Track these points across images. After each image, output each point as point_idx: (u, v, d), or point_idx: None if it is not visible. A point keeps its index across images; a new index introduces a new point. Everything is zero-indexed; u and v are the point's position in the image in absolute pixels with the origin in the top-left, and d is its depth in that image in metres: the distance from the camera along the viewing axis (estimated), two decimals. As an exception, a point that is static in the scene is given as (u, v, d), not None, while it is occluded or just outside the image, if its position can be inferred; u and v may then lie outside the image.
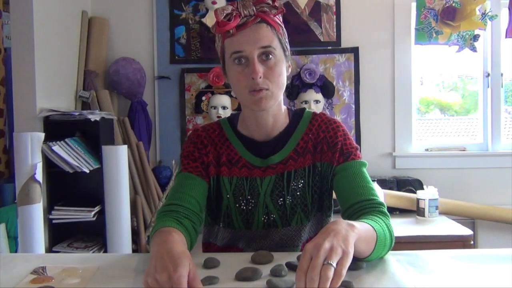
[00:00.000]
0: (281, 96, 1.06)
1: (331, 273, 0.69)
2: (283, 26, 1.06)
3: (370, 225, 0.88)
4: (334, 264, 0.70)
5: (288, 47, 1.07)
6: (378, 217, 0.96)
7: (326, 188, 1.10)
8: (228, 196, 1.10)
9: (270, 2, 1.01)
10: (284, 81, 1.04)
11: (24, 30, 2.19)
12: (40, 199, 2.06)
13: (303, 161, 1.08)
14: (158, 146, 2.83)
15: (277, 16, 1.03)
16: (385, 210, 1.00)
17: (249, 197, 1.09)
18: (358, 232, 0.79)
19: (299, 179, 1.08)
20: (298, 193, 1.09)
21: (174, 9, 2.80)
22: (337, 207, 1.07)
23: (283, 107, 1.12)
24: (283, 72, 1.04)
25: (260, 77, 0.98)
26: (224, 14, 0.99)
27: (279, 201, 1.09)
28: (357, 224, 0.82)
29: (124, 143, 2.61)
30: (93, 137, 2.42)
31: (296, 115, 1.13)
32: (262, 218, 1.09)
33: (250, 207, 1.09)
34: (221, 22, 0.99)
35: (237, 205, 1.10)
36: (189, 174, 1.07)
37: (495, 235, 2.55)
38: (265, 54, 1.00)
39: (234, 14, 0.99)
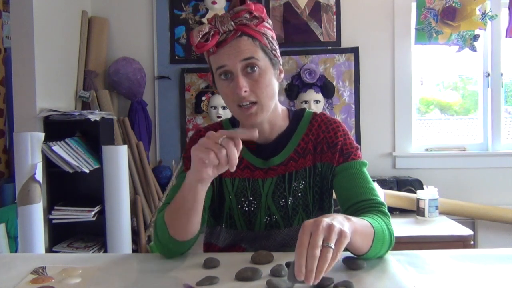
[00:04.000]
0: (273, 105, 1.03)
1: (329, 255, 0.71)
2: (268, 34, 1.01)
3: (367, 221, 0.89)
4: (333, 246, 0.72)
5: (277, 53, 1.03)
6: (377, 215, 0.96)
7: (326, 188, 1.10)
8: (230, 197, 1.10)
9: (248, 16, 0.97)
10: (274, 90, 1.02)
11: (24, 30, 2.19)
12: (40, 199, 2.06)
13: (304, 162, 1.08)
14: (158, 146, 2.83)
15: (261, 24, 0.99)
16: (386, 210, 1.01)
17: (251, 198, 1.09)
18: (353, 224, 0.81)
19: (300, 180, 1.08)
20: (299, 194, 1.09)
21: (174, 9, 2.80)
22: (338, 207, 1.07)
23: (280, 109, 1.11)
24: (272, 82, 1.01)
25: (246, 91, 0.96)
26: (201, 36, 0.95)
27: (281, 202, 1.09)
28: (353, 218, 0.83)
29: (124, 143, 2.61)
30: (93, 137, 2.42)
31: (296, 116, 1.13)
32: (265, 219, 1.09)
33: (252, 208, 1.10)
34: (198, 44, 0.96)
35: (239, 206, 1.10)
36: (192, 175, 1.07)
37: (495, 235, 2.55)
38: (250, 66, 0.97)
39: (212, 32, 0.95)
